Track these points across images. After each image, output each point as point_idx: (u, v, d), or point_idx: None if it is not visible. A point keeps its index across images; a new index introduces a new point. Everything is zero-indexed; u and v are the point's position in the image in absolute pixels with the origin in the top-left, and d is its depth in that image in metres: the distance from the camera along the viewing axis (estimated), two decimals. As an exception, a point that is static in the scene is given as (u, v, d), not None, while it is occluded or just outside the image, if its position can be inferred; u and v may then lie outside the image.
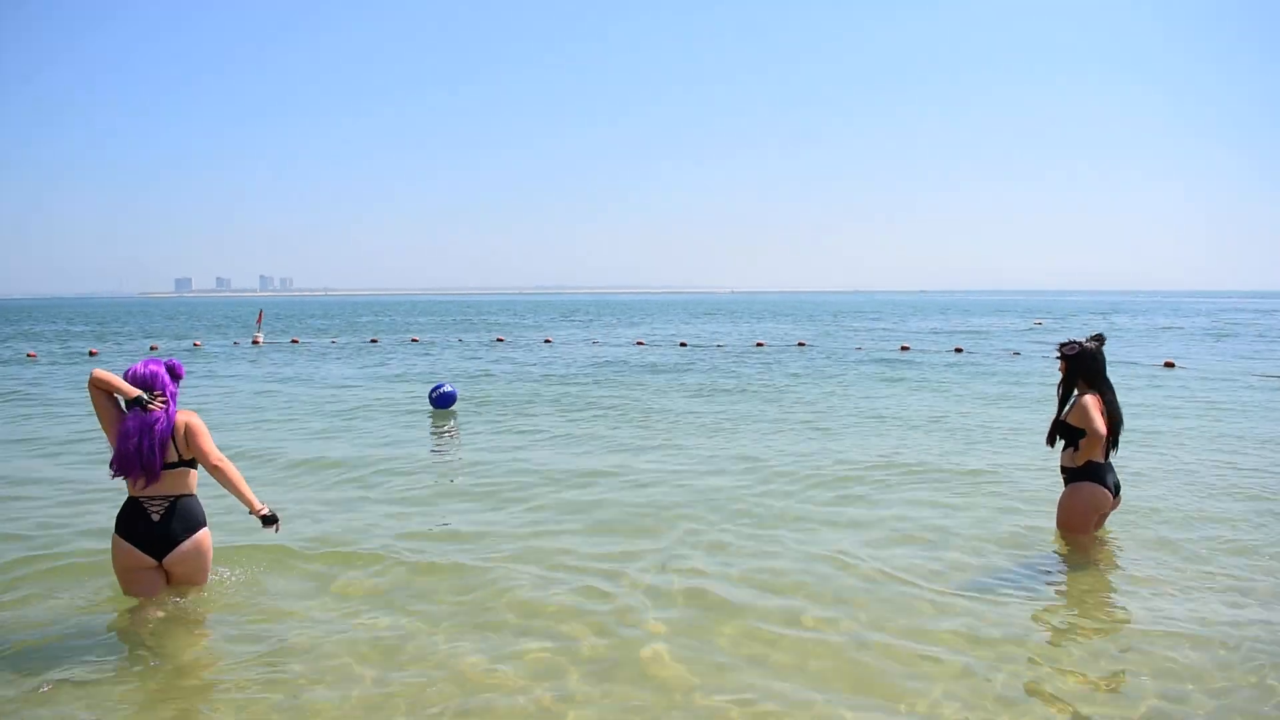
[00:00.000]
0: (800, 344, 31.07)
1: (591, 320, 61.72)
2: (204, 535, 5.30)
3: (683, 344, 33.36)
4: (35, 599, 5.70)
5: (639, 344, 34.09)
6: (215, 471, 5.17)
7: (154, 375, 5.22)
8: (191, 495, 5.26)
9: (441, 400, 14.64)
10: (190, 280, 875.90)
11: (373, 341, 35.63)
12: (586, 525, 7.40)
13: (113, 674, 4.67)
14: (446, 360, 25.97)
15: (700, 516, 7.59)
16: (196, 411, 5.49)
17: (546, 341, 35.32)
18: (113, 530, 5.23)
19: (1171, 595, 5.71)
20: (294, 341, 34.72)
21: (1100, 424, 6.25)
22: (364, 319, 65.11)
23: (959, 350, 27.94)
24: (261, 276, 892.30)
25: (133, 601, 5.36)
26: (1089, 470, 6.47)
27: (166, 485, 5.14)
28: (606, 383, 19.00)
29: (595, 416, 13.86)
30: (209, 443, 5.20)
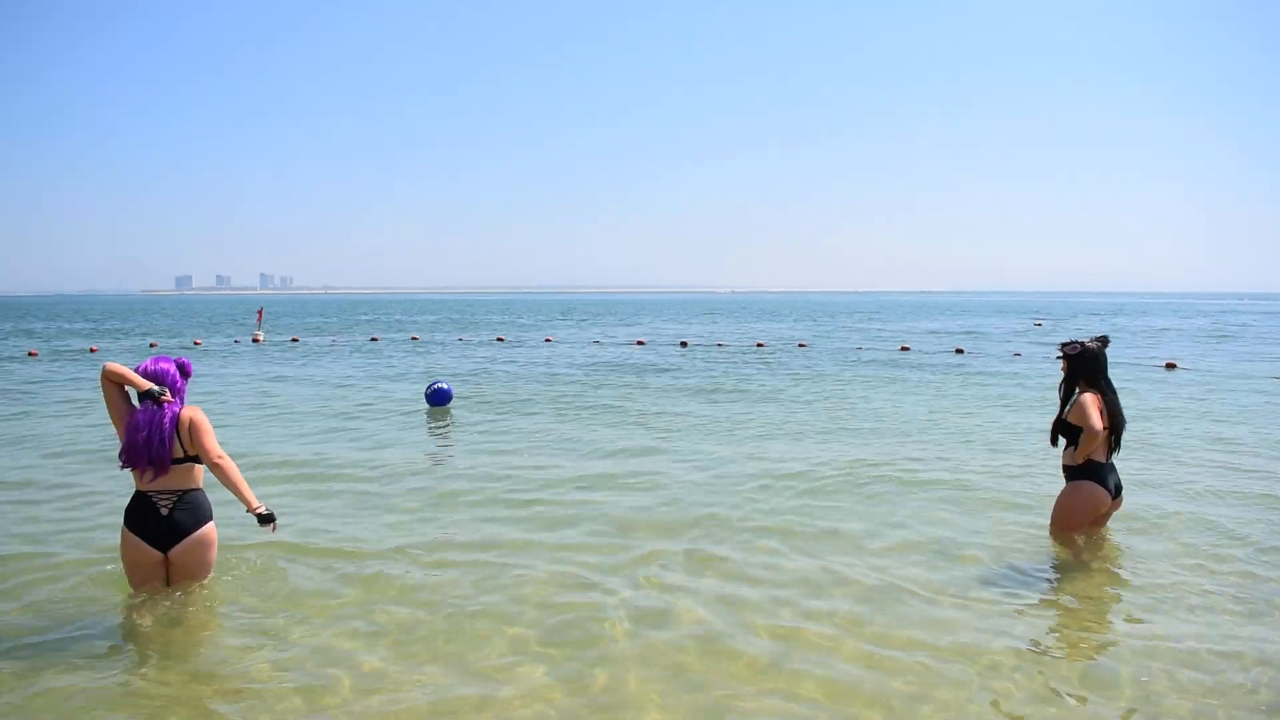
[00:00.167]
0: (801, 345, 31.05)
1: (592, 320, 61.72)
2: (210, 529, 5.38)
3: (683, 343, 33.37)
4: (42, 599, 5.70)
5: (639, 343, 34.10)
6: (215, 469, 5.21)
7: (164, 373, 5.31)
8: (199, 489, 5.34)
9: (437, 397, 14.69)
10: (191, 278, 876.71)
11: (373, 340, 35.63)
12: (586, 530, 7.33)
13: (117, 674, 4.67)
14: (446, 359, 25.97)
15: (701, 521, 7.55)
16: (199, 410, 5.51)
17: (547, 341, 35.32)
18: (121, 524, 5.30)
19: (1172, 605, 5.68)
20: (294, 340, 34.72)
21: (1097, 420, 6.26)
22: (364, 318, 65.11)
23: (959, 351, 27.93)
24: (262, 275, 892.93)
25: (136, 601, 5.38)
26: (1089, 469, 6.47)
27: (174, 479, 5.22)
28: (607, 384, 19.00)
29: (595, 417, 13.87)
30: (211, 439, 5.25)
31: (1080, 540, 6.72)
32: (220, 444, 5.30)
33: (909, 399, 16.02)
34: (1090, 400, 6.37)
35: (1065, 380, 6.66)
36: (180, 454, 5.21)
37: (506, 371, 22.03)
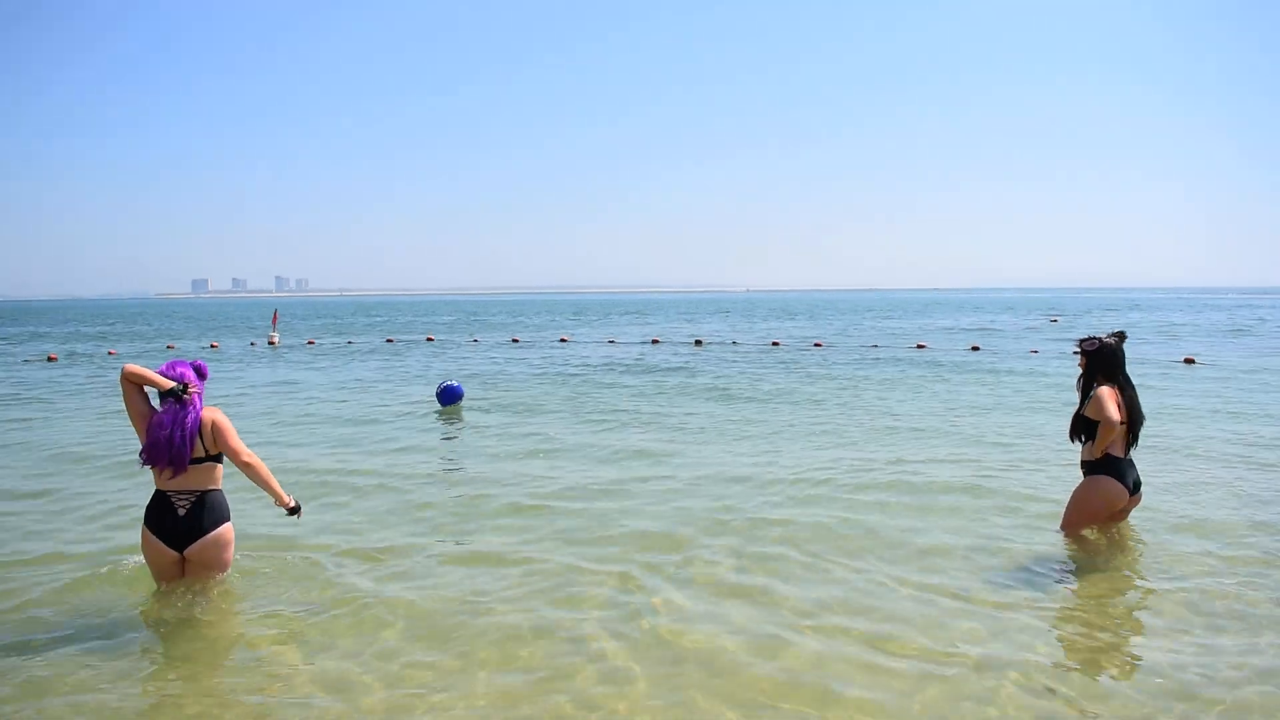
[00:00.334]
0: (817, 344, 31.01)
1: (604, 320, 61.71)
2: (227, 529, 5.47)
3: (698, 342, 33.38)
4: (52, 600, 5.74)
5: (655, 342, 34.14)
6: (247, 468, 5.35)
7: (183, 377, 5.39)
8: (218, 490, 5.43)
9: (446, 395, 14.78)
10: (207, 281, 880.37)
11: (388, 341, 35.73)
12: (599, 536, 7.25)
13: (129, 675, 4.71)
14: (463, 360, 26.02)
15: (717, 527, 7.50)
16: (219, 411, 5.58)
17: (562, 341, 35.34)
18: (142, 522, 5.40)
19: (1186, 607, 5.65)
20: (310, 343, 34.85)
21: (1114, 412, 6.25)
22: (379, 319, 65.29)
23: (975, 348, 27.82)
24: (277, 277, 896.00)
25: (153, 601, 5.48)
26: (1107, 464, 6.45)
27: (193, 479, 5.30)
28: (625, 384, 19.01)
29: (612, 418, 13.89)
30: (238, 440, 5.38)
31: (1092, 535, 6.70)
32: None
33: (928, 398, 15.99)
34: (1107, 393, 6.36)
35: (1083, 376, 6.65)
36: (200, 454, 5.29)
37: (525, 372, 22.07)
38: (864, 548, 6.70)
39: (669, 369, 22.15)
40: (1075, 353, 6.80)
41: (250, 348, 32.69)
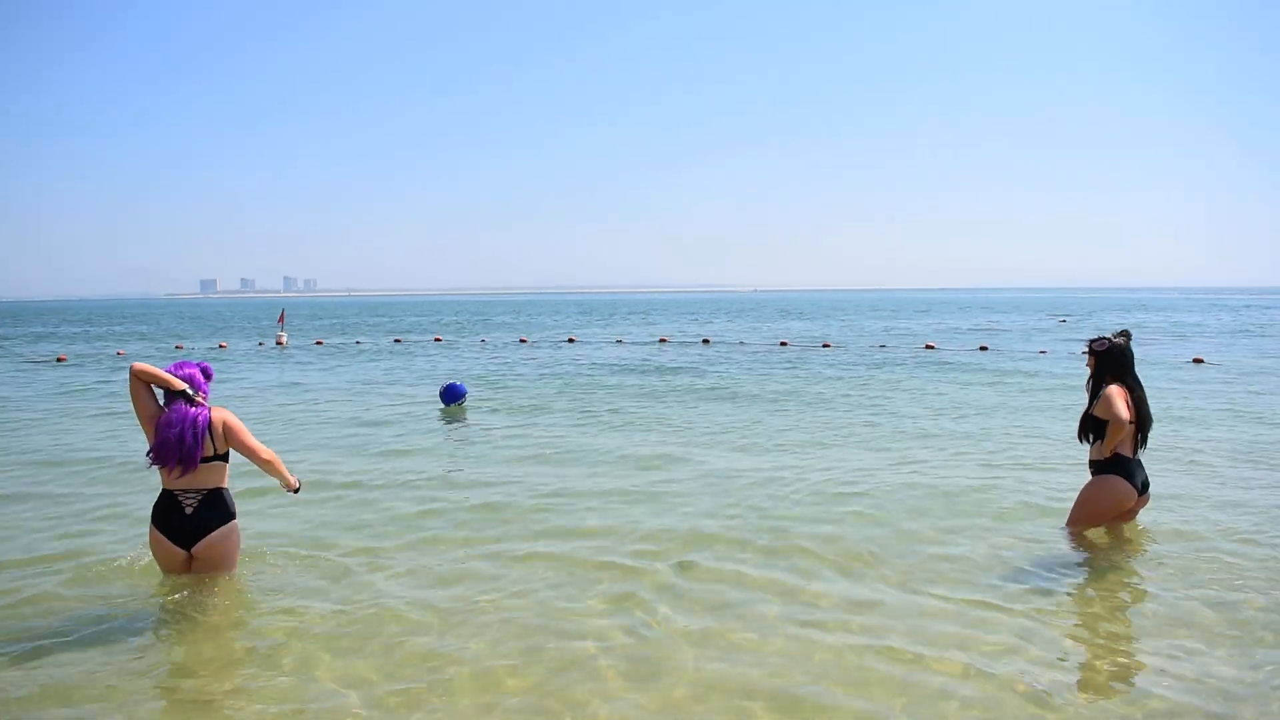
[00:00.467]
0: (825, 345, 31.00)
1: (614, 319, 61.72)
2: (234, 526, 5.55)
3: (705, 341, 33.40)
4: (60, 600, 5.75)
5: (662, 341, 34.17)
6: (268, 465, 5.56)
7: (190, 378, 5.47)
8: (224, 488, 5.51)
9: (450, 394, 14.87)
10: (215, 281, 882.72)
11: (396, 342, 35.78)
12: (604, 539, 7.21)
13: (134, 673, 4.74)
14: (471, 360, 26.04)
15: (723, 530, 7.48)
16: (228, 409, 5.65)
17: (570, 341, 35.36)
18: (149, 520, 5.48)
19: (1192, 607, 5.63)
20: (318, 343, 34.92)
21: (1123, 410, 6.23)
22: (387, 319, 65.40)
23: (984, 348, 27.76)
24: (286, 277, 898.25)
25: (161, 599, 5.52)
26: (1116, 463, 6.44)
27: (201, 478, 5.37)
28: (632, 385, 19.05)
29: (620, 419, 13.93)
30: (251, 438, 5.53)
31: (1098, 535, 6.69)
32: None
33: (936, 398, 15.97)
34: (1116, 392, 6.34)
35: (1092, 376, 6.64)
36: (209, 453, 5.36)
37: (534, 371, 22.10)
38: (868, 549, 6.66)
39: (677, 369, 22.16)
40: (1084, 353, 6.78)
41: (259, 348, 32.76)
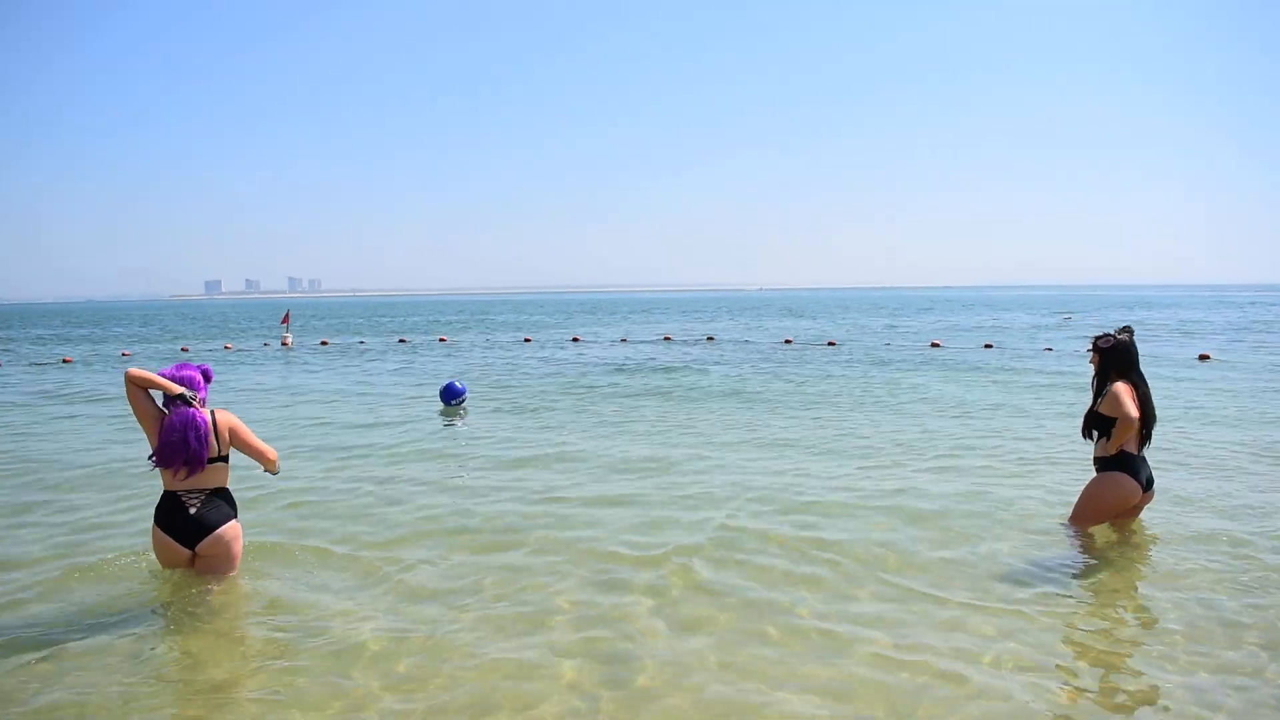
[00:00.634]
0: (831, 343, 30.96)
1: (619, 318, 61.73)
2: (234, 525, 5.62)
3: (709, 338, 33.42)
4: (65, 601, 5.78)
5: (666, 339, 34.18)
6: (271, 465, 5.74)
7: (189, 379, 5.52)
8: (225, 488, 5.60)
9: (449, 394, 15.00)
10: (220, 282, 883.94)
11: (401, 341, 35.81)
12: (604, 542, 7.20)
13: (137, 673, 4.75)
14: (475, 360, 26.06)
15: (727, 531, 7.47)
16: (230, 411, 5.74)
17: (574, 340, 35.37)
18: (152, 521, 5.54)
19: (1196, 604, 5.63)
20: (323, 343, 34.95)
21: (1132, 408, 6.23)
22: (391, 319, 65.45)
23: (988, 346, 27.73)
24: (290, 278, 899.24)
25: (163, 598, 5.57)
26: (1122, 460, 6.44)
27: (205, 479, 5.44)
28: (636, 385, 19.04)
29: (623, 419, 13.93)
30: (257, 439, 5.68)
31: (1102, 533, 6.68)
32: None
33: (941, 396, 15.96)
34: (1122, 389, 6.34)
35: (1097, 374, 6.64)
36: (214, 454, 5.45)
37: (539, 370, 22.13)
38: (871, 549, 6.64)
39: (681, 368, 22.14)
40: (1088, 350, 6.77)
41: (264, 349, 32.79)
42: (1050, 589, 5.71)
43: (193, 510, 5.42)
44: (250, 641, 5.11)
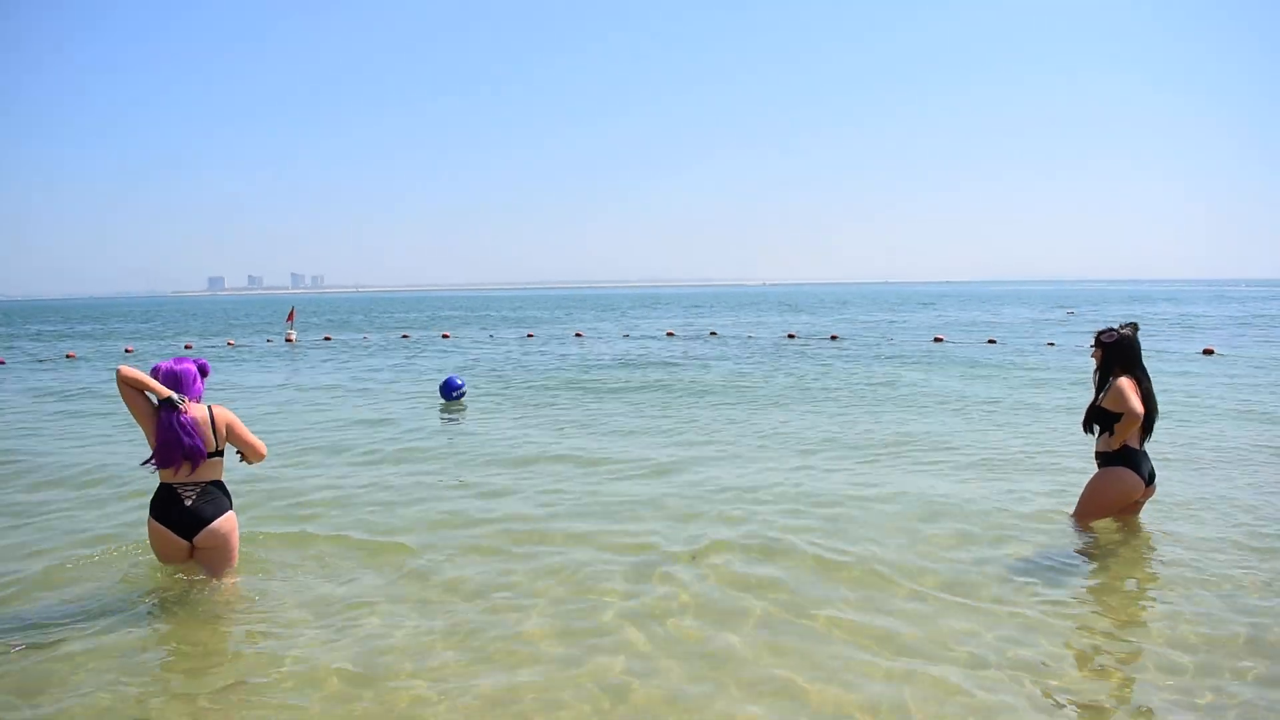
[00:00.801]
0: (833, 337, 30.93)
1: (623, 314, 61.70)
2: (230, 517, 5.68)
3: (713, 333, 33.42)
4: (62, 595, 5.78)
5: (669, 335, 34.17)
6: (260, 459, 5.80)
7: (185, 372, 5.57)
8: (220, 481, 5.65)
9: (446, 389, 15.13)
10: (223, 279, 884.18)
11: (404, 337, 35.82)
12: (604, 546, 7.23)
13: (146, 671, 4.77)
14: (478, 356, 26.06)
15: (729, 533, 7.50)
16: (232, 410, 5.79)
17: (577, 336, 35.36)
18: (148, 514, 5.57)
19: (1197, 601, 5.63)
20: (326, 339, 34.97)
21: (1137, 404, 6.23)
22: (394, 315, 65.45)
23: (992, 341, 27.71)
24: (293, 274, 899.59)
25: (163, 592, 5.60)
26: (1125, 455, 6.44)
27: (201, 473, 5.51)
28: (638, 381, 19.01)
29: (624, 418, 13.92)
30: (251, 435, 5.72)
31: (1104, 528, 6.68)
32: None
33: (944, 391, 15.96)
34: (1127, 384, 6.34)
35: (1100, 368, 6.63)
36: (210, 449, 5.52)
37: (542, 365, 22.12)
38: (873, 549, 6.60)
39: (685, 364, 22.15)
40: (1092, 344, 6.76)
41: (267, 344, 32.82)
42: (1055, 586, 5.70)
43: (188, 502, 5.47)
44: (253, 639, 5.11)
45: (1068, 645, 4.86)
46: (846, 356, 23.38)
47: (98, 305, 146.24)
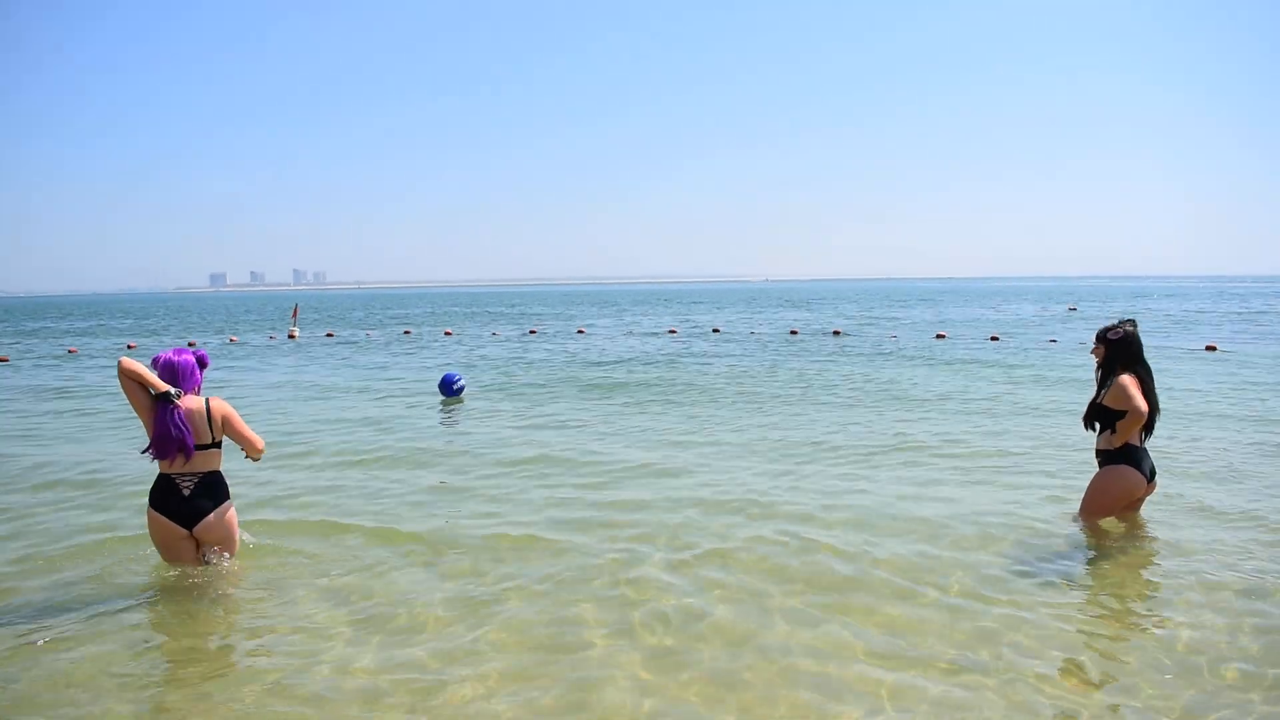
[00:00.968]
0: (836, 332, 30.91)
1: (625, 310, 61.66)
2: (229, 506, 5.74)
3: (716, 330, 33.38)
4: (73, 586, 5.79)
5: (671, 332, 34.14)
6: (258, 453, 5.81)
7: (184, 364, 5.64)
8: (218, 471, 5.69)
9: (446, 386, 15.23)
10: (225, 275, 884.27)
11: (406, 333, 35.81)
12: (602, 545, 7.24)
13: (142, 664, 4.77)
14: (480, 352, 26.04)
15: (730, 531, 7.49)
16: (229, 402, 5.81)
17: (579, 332, 35.34)
18: (147, 505, 5.62)
19: (1199, 599, 5.61)
20: (329, 335, 34.97)
21: (1141, 402, 6.21)
22: (396, 311, 65.43)
23: (994, 338, 27.68)
24: (295, 270, 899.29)
25: (165, 584, 5.63)
26: (1126, 453, 6.43)
27: (198, 463, 5.56)
28: (640, 378, 19.00)
29: (625, 416, 13.92)
30: (247, 428, 5.73)
31: (1107, 526, 6.67)
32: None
33: (946, 388, 15.95)
34: (1129, 381, 6.32)
35: (1103, 365, 6.61)
36: (207, 441, 5.56)
37: (545, 361, 22.14)
38: (873, 549, 6.59)
39: (689, 360, 22.14)
40: (1096, 341, 6.71)
41: (270, 341, 32.81)
42: (1056, 587, 5.68)
43: (186, 493, 5.53)
44: (247, 634, 5.10)
45: (1068, 646, 4.83)
46: (850, 354, 23.35)
47: (102, 301, 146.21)
